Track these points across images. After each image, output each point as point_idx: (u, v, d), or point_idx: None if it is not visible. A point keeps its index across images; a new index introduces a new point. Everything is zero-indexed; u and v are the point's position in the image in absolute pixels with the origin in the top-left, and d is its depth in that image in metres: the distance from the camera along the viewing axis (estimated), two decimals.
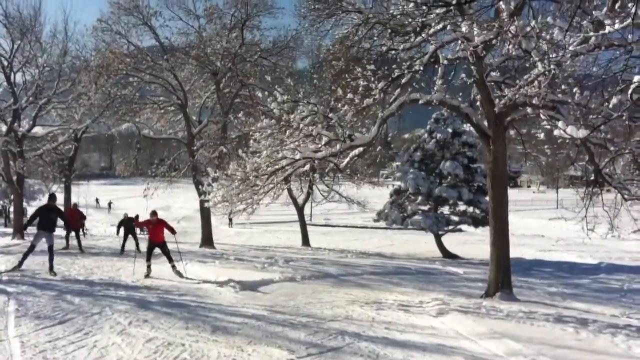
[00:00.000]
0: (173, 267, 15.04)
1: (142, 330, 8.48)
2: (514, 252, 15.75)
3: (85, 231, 31.87)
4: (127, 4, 27.31)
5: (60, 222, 15.09)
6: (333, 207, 42.55)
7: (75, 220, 21.27)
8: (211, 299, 11.55)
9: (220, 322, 9.29)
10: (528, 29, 8.37)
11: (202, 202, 22.11)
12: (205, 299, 10.83)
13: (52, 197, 15.13)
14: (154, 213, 15.45)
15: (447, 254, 28.25)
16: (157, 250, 15.34)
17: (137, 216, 15.90)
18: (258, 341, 8.11)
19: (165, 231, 15.62)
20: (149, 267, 14.91)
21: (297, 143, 13.10)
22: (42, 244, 14.57)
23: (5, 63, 29.06)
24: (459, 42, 11.41)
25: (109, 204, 74.45)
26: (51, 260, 13.98)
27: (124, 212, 23.53)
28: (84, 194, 56.50)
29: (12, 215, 36.84)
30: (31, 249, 14.16)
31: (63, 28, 47.16)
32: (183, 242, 30.13)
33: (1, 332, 8.23)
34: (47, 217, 14.20)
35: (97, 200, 77.31)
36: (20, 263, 14.26)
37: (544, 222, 54.69)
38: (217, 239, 31.18)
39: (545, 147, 15.46)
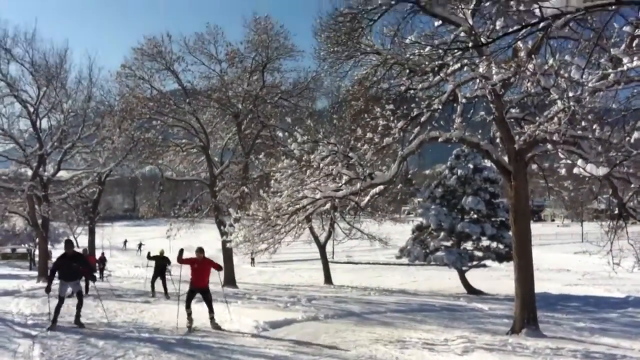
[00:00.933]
0: (212, 319, 13.32)
1: None
2: (539, 287, 15.56)
3: (106, 275, 32.14)
4: (150, 50, 27.96)
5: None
6: (355, 245, 42.37)
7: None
8: (234, 340, 11.56)
9: None
10: (546, 67, 8.43)
11: (224, 242, 22.17)
12: (227, 340, 10.83)
13: (69, 243, 13.68)
14: (200, 250, 13.73)
15: (471, 290, 27.91)
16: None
17: (181, 250, 13.78)
18: None
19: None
20: (189, 315, 13.08)
21: (317, 182, 13.20)
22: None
23: (32, 109, 29.73)
24: (477, 80, 11.52)
25: (140, 245, 70.47)
26: (79, 308, 13.10)
27: (161, 249, 22.12)
28: (108, 235, 56.94)
29: (37, 259, 37.20)
30: (61, 303, 12.91)
31: (88, 74, 47.96)
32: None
33: None
34: (67, 267, 13.09)
35: (125, 242, 75.89)
36: (54, 321, 12.73)
37: (569, 256, 53.83)
38: (240, 278, 31.20)
39: (567, 182, 15.37)
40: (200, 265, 13.38)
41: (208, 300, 13.38)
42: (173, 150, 30.68)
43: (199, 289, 13.35)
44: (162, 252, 21.44)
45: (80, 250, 19.75)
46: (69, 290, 13.62)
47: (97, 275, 15.76)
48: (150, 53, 28.00)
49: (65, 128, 30.54)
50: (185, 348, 10.59)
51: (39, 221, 29.99)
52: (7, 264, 45.34)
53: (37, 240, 38.25)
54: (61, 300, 12.96)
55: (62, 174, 33.36)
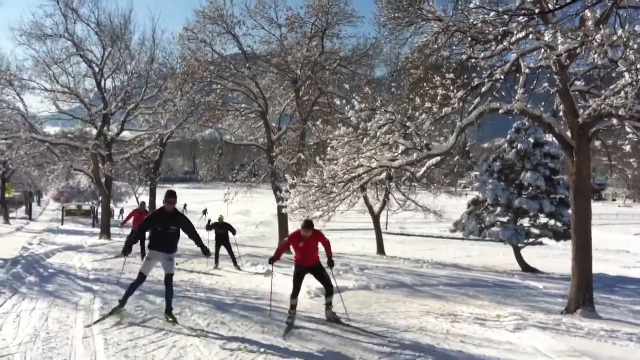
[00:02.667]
0: (329, 305, 10.34)
1: (219, 333, 8.71)
2: (597, 268, 15.16)
3: None
4: (212, 13, 28.13)
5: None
6: (409, 216, 42.21)
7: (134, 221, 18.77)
8: (286, 304, 11.70)
9: (294, 328, 9.41)
10: (615, 38, 8.10)
11: (279, 208, 22.48)
12: (281, 304, 10.99)
13: (171, 194, 9.61)
14: (308, 225, 10.14)
15: (526, 268, 27.46)
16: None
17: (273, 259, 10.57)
18: (331, 348, 8.18)
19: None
20: (293, 308, 9.91)
21: (374, 151, 13.14)
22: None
23: (97, 70, 30.45)
24: (542, 50, 11.14)
25: (205, 211, 65.64)
26: (170, 297, 9.62)
27: (220, 215, 19.69)
28: None
29: (100, 216, 38.52)
30: (140, 280, 9.61)
31: (151, 36, 48.98)
32: (261, 247, 30.76)
33: (87, 329, 8.65)
34: (164, 230, 9.40)
35: (185, 206, 74.81)
36: (124, 302, 9.52)
37: (629, 238, 52.27)
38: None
39: (632, 160, 14.78)
40: (307, 242, 10.13)
41: (326, 280, 10.26)
42: (232, 115, 31.01)
43: (309, 268, 10.23)
44: (221, 219, 19.12)
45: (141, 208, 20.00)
46: (157, 264, 9.79)
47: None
48: (212, 16, 28.16)
49: (129, 89, 31.18)
50: (240, 309, 10.82)
51: (103, 180, 30.91)
52: (71, 220, 47.05)
53: (100, 198, 39.53)
54: (141, 278, 9.59)
55: (126, 134, 34.25)
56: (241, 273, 17.12)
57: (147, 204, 26.32)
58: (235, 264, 18.03)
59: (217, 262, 17.95)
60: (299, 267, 10.21)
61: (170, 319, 9.42)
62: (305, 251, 10.17)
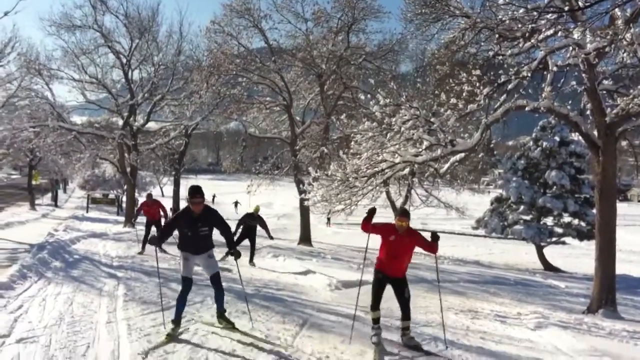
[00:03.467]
0: (406, 330, 8.40)
1: (240, 322, 8.80)
2: (620, 269, 15.01)
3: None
4: (239, 6, 28.29)
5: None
6: (431, 212, 41.98)
7: (153, 213, 18.17)
8: (307, 295, 11.81)
9: (315, 319, 9.50)
10: None
11: (302, 201, 22.58)
12: (301, 295, 11.08)
13: (196, 190, 7.97)
14: (404, 213, 8.22)
15: (548, 267, 27.27)
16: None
17: (372, 211, 8.61)
18: (352, 340, 8.23)
19: None
20: (377, 321, 8.34)
21: (397, 146, 13.13)
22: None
23: (124, 60, 30.79)
24: (570, 48, 11.06)
25: (236, 203, 64.66)
26: (220, 298, 8.54)
27: (256, 206, 18.25)
28: None
29: (124, 205, 38.97)
30: (187, 287, 8.17)
31: (178, 29, 49.48)
32: (282, 239, 30.91)
33: (110, 314, 8.82)
34: (194, 233, 8.02)
35: (213, 196, 70.84)
36: (177, 321, 7.99)
37: None
38: (315, 238, 31.64)
39: None
40: (400, 239, 8.07)
41: (404, 300, 8.32)
42: (257, 108, 31.19)
43: (392, 278, 8.27)
44: (257, 210, 17.64)
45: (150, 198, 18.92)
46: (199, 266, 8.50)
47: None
48: (239, 9, 28.32)
49: (156, 80, 31.46)
50: (261, 299, 10.93)
51: (128, 169, 31.28)
52: (96, 208, 47.67)
53: (125, 187, 39.98)
54: (187, 285, 8.15)
55: (151, 125, 34.58)
56: (262, 262, 17.25)
57: (170, 195, 26.44)
58: (252, 259, 16.90)
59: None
60: (380, 274, 8.30)
61: (224, 323, 8.41)
62: (394, 252, 8.13)
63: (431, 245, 8.43)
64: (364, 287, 13.67)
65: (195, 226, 8.01)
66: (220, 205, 70.64)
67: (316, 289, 12.88)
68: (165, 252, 16.36)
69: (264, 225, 17.48)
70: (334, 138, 29.85)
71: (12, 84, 25.44)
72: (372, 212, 8.64)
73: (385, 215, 42.94)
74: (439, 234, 8.75)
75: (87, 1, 29.25)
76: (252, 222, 17.15)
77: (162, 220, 18.09)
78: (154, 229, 17.80)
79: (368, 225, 8.43)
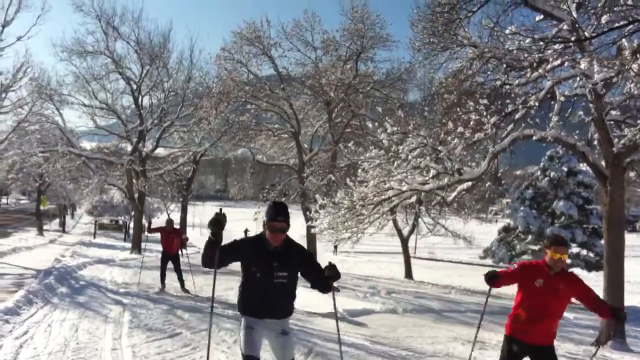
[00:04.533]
0: None
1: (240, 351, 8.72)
2: (629, 300, 14.85)
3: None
4: (249, 34, 28.58)
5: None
6: (438, 241, 41.81)
7: (171, 244, 15.54)
8: (312, 324, 11.71)
9: (320, 348, 9.40)
10: None
11: (308, 228, 22.53)
12: (306, 324, 11.00)
13: (280, 209, 4.98)
14: (561, 242, 5.73)
15: None
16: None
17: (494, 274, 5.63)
18: None
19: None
20: None
21: (404, 174, 13.14)
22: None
23: (135, 87, 31.01)
24: (578, 78, 11.10)
25: (245, 232, 65.60)
26: None
27: None
28: (199, 214, 58.80)
29: (131, 231, 39.03)
30: None
31: (189, 55, 49.73)
32: None
33: (115, 341, 8.76)
34: (266, 274, 4.91)
35: (245, 231, 70.52)
36: None
37: None
38: (322, 265, 31.44)
39: None
40: (552, 284, 5.46)
41: None
42: (265, 135, 31.35)
43: (533, 347, 5.57)
44: None
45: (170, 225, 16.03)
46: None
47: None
48: (249, 37, 28.60)
49: (165, 107, 31.62)
50: None
51: (136, 195, 31.32)
52: (103, 234, 47.77)
53: (132, 213, 40.05)
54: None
55: (160, 151, 34.69)
56: None
57: (177, 221, 26.23)
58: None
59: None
60: (515, 343, 5.70)
61: None
62: (542, 304, 5.52)
63: (602, 306, 5.60)
64: (372, 316, 13.65)
65: (270, 266, 4.94)
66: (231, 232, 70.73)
67: (322, 318, 12.78)
68: (187, 291, 14.97)
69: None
70: (342, 165, 29.89)
71: (23, 109, 25.64)
72: (494, 275, 5.85)
73: (392, 244, 42.84)
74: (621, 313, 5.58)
75: (99, 27, 29.55)
76: None
77: (181, 253, 16.09)
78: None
79: (500, 282, 5.91)
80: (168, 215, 63.05)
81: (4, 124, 28.88)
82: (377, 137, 14.90)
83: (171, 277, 15.34)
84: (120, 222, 52.94)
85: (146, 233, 17.70)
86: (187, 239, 16.64)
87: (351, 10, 28.64)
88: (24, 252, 24.66)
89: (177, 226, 19.62)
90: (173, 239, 15.47)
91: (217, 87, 30.34)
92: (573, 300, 5.68)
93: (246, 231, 66.75)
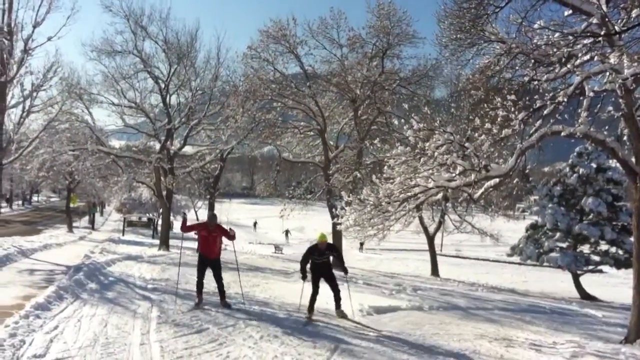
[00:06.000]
0: None
1: (272, 345, 8.80)
2: None
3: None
4: (275, 32, 28.71)
5: None
6: (465, 239, 41.67)
7: (212, 246, 12.33)
8: (338, 320, 11.75)
9: (346, 345, 9.43)
10: None
11: (334, 225, 22.56)
12: (332, 320, 11.04)
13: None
14: None
15: (585, 295, 26.69)
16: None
17: None
18: None
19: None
20: None
21: (431, 171, 13.07)
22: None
23: (163, 86, 31.27)
24: (607, 74, 10.94)
25: (255, 224, 70.27)
26: None
27: (321, 233, 12.93)
28: (226, 211, 59.18)
29: (159, 228, 39.42)
30: None
31: (216, 54, 49.97)
32: None
33: (144, 336, 8.89)
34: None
35: (255, 223, 74.15)
36: None
37: None
38: (347, 262, 31.38)
39: None
40: None
41: None
42: (291, 132, 31.52)
43: None
44: (323, 238, 12.52)
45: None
46: None
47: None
48: (275, 36, 28.76)
49: (193, 105, 31.79)
50: (292, 323, 10.91)
51: (164, 192, 31.62)
52: (132, 231, 48.30)
53: (160, 210, 40.43)
54: None
55: (187, 149, 35.01)
56: (295, 287, 17.21)
57: (203, 219, 26.33)
58: (339, 306, 12.37)
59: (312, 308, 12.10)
60: None
61: None
62: None
63: None
64: (398, 313, 13.62)
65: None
66: (246, 227, 70.96)
67: (348, 314, 12.80)
68: (228, 306, 12.12)
69: (339, 255, 13.58)
70: (367, 163, 29.90)
71: (54, 108, 26.05)
72: None
73: (418, 241, 42.69)
74: None
75: (128, 27, 29.86)
76: (319, 257, 12.44)
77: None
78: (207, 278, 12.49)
79: None
80: (196, 212, 63.21)
81: (35, 123, 29.36)
82: (403, 134, 14.83)
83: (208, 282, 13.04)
84: (145, 219, 53.43)
85: (181, 232, 12.92)
86: (234, 235, 12.63)
87: (377, 7, 28.68)
88: (55, 248, 25.04)
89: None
90: (215, 238, 12.26)
91: (243, 86, 30.52)
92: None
93: (255, 223, 67.84)
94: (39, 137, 26.21)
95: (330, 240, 14.92)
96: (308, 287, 12.46)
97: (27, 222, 45.92)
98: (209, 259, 12.27)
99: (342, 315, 11.92)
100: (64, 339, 8.35)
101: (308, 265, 12.50)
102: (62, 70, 25.58)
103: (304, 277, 12.52)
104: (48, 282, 13.88)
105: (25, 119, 23.26)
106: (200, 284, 12.21)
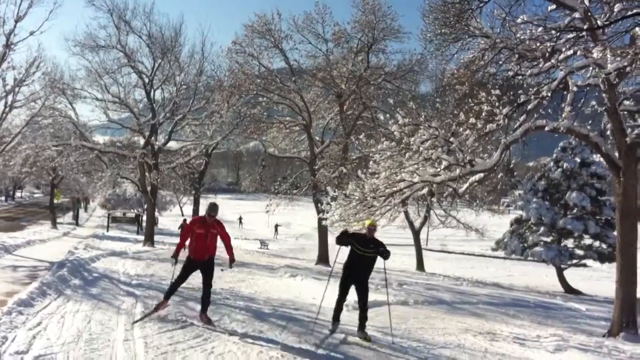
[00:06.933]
0: None
1: (257, 341, 8.78)
2: None
3: None
4: (260, 27, 28.58)
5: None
6: (450, 233, 41.80)
7: (209, 244, 9.90)
8: (324, 316, 11.72)
9: (332, 340, 9.43)
10: None
11: (320, 220, 22.56)
12: (319, 316, 11.03)
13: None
14: None
15: (569, 289, 26.91)
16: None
17: None
18: None
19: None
20: None
21: (416, 166, 13.11)
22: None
23: (147, 80, 31.11)
24: (591, 68, 11.00)
25: (240, 219, 69.52)
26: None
27: (371, 219, 11.21)
28: None
29: (144, 224, 39.23)
30: None
31: (200, 49, 49.89)
32: (300, 259, 30.84)
33: (128, 332, 8.82)
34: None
35: (240, 219, 71.81)
36: None
37: None
38: (333, 257, 31.53)
39: None
40: None
41: None
42: (276, 127, 31.43)
43: None
44: (373, 225, 10.30)
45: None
46: None
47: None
48: (260, 30, 28.62)
49: (177, 100, 31.69)
50: (277, 319, 10.88)
51: (148, 188, 31.48)
52: (116, 227, 48.04)
53: (145, 206, 40.25)
54: None
55: (172, 144, 34.86)
56: (280, 282, 17.19)
57: (189, 214, 26.20)
58: (363, 326, 9.96)
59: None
60: None
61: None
62: None
63: None
64: (383, 307, 13.64)
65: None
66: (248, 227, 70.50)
67: (333, 309, 12.79)
68: (209, 321, 9.83)
69: (385, 251, 10.15)
70: (353, 158, 29.88)
71: (36, 103, 25.81)
72: None
73: (405, 237, 42.83)
74: None
75: (111, 22, 29.70)
76: (365, 250, 9.90)
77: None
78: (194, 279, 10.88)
79: None
80: (181, 208, 62.61)
81: (18, 118, 29.12)
82: (389, 129, 14.87)
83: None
84: (132, 214, 53.13)
85: (184, 245, 10.15)
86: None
87: (362, 2, 28.56)
88: (38, 244, 24.86)
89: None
90: (215, 236, 9.98)
91: (228, 81, 30.40)
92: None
93: (240, 218, 67.71)
94: (22, 132, 26.01)
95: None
96: (332, 287, 11.08)
97: (10, 218, 45.52)
98: (200, 261, 9.89)
99: (366, 338, 9.44)
100: (47, 336, 8.26)
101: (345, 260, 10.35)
102: (45, 65, 25.41)
103: (342, 242, 10.16)
104: (31, 279, 13.75)
105: (7, 114, 23.04)
106: (174, 288, 10.11)
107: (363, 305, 9.91)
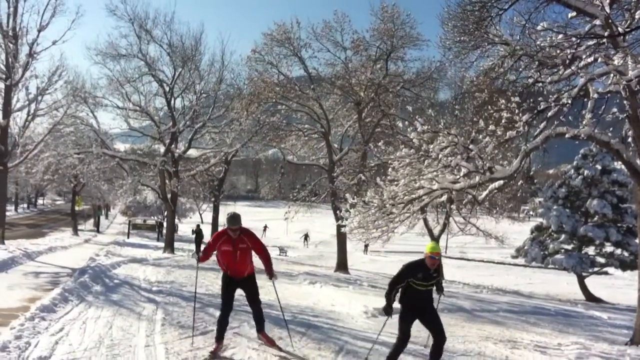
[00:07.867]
0: None
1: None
2: None
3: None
4: (279, 35, 28.75)
5: None
6: (469, 241, 41.55)
7: (239, 264, 8.43)
8: (343, 322, 11.75)
9: (351, 347, 9.44)
10: None
11: (339, 227, 22.56)
12: (337, 322, 11.04)
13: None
14: None
15: (590, 297, 26.61)
16: None
17: None
18: None
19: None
20: None
21: (435, 173, 13.09)
22: None
23: (167, 89, 31.41)
24: (612, 75, 10.93)
25: (265, 227, 66.43)
26: None
27: (431, 243, 8.45)
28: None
29: (164, 231, 39.52)
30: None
31: (220, 57, 50.37)
32: (319, 266, 30.84)
33: (148, 338, 8.91)
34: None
35: (265, 227, 69.62)
36: None
37: None
38: (352, 265, 31.50)
39: None
40: None
41: None
42: (295, 135, 31.54)
43: None
44: (435, 249, 8.09)
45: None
46: None
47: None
48: (280, 39, 28.79)
49: (197, 108, 31.96)
50: (297, 325, 10.90)
51: (169, 195, 31.70)
52: (137, 234, 48.40)
53: (165, 213, 40.52)
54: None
55: (192, 152, 35.11)
56: (299, 289, 17.20)
57: (208, 221, 26.32)
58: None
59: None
60: None
61: None
62: None
63: None
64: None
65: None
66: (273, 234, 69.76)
67: (352, 316, 12.80)
68: (274, 344, 8.95)
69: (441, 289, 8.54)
70: (372, 165, 29.87)
71: (59, 112, 26.21)
72: None
73: (423, 243, 42.72)
74: None
75: (133, 31, 30.07)
76: (423, 283, 8.00)
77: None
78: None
79: None
80: (200, 215, 62.79)
81: (40, 127, 29.53)
82: (408, 136, 14.88)
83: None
84: (152, 221, 53.51)
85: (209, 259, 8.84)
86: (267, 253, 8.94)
87: (381, 10, 28.64)
88: (60, 251, 25.14)
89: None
90: (245, 253, 8.44)
91: (248, 89, 30.64)
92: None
93: (265, 227, 67.15)
94: (44, 140, 26.38)
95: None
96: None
97: (32, 225, 46.10)
98: (239, 278, 8.57)
99: None
100: (69, 341, 8.37)
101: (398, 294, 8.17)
102: (67, 73, 25.84)
103: (389, 311, 7.97)
104: (53, 285, 13.93)
105: (30, 122, 23.45)
106: (224, 321, 8.40)
107: (440, 347, 7.98)
